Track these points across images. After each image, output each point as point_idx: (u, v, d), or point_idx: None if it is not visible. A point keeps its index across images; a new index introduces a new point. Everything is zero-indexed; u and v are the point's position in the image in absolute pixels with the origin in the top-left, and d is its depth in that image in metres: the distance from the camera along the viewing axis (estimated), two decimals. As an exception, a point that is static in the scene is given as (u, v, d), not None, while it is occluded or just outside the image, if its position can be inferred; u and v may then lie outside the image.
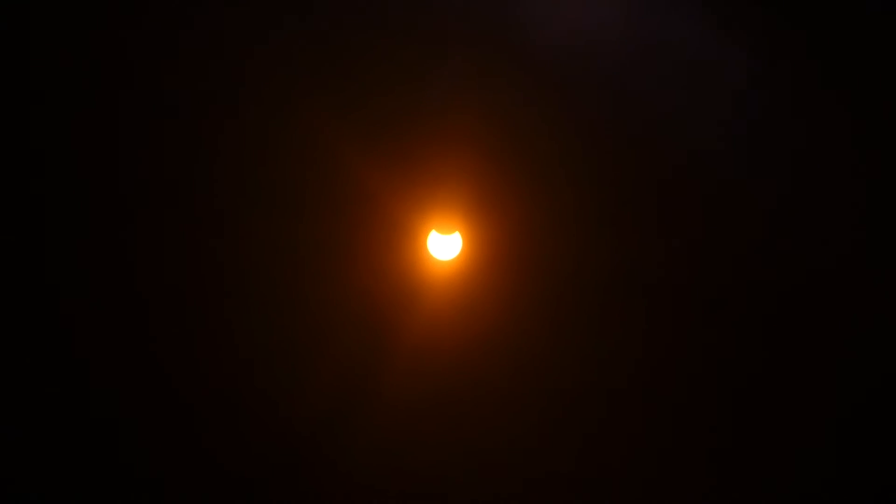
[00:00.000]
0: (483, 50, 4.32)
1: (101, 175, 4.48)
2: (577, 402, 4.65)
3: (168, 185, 4.50)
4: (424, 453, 4.66)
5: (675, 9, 4.31)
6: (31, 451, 4.61)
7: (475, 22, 4.30)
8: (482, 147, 4.43)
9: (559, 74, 4.37)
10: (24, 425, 4.60)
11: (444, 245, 4.52)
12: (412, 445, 4.65)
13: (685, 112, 4.41)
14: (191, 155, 4.46)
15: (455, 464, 4.68)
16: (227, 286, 4.58)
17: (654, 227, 4.54)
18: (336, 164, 4.43)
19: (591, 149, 4.46)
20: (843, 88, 4.41)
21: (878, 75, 4.38)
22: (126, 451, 4.65)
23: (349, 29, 4.32)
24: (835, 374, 4.63)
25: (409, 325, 4.57)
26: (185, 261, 4.56)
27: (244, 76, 4.38)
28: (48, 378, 4.60)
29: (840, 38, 4.35)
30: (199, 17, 4.32)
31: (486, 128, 4.40)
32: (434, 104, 4.37)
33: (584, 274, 4.57)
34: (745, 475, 4.68)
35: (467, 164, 4.44)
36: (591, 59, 4.37)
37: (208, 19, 4.32)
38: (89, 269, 4.55)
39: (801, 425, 4.66)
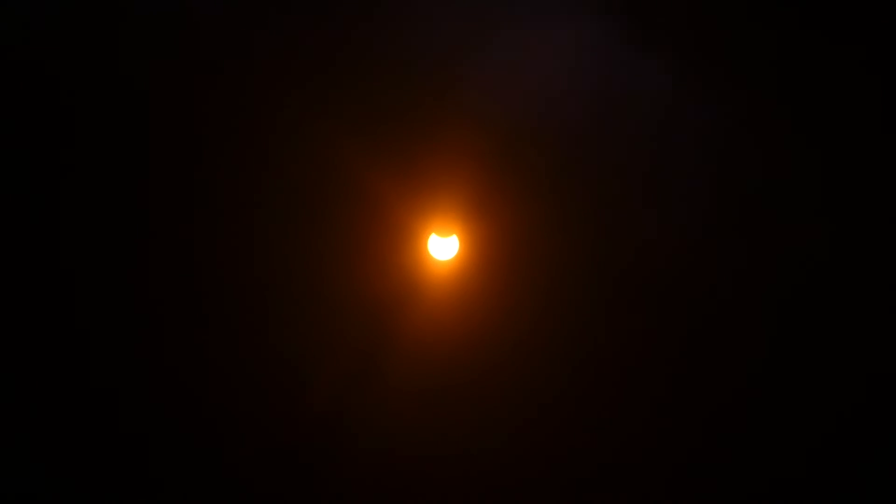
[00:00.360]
0: (483, 72, 4.43)
1: (113, 181, 4.52)
2: (566, 388, 4.63)
3: (178, 189, 4.53)
4: (425, 434, 4.62)
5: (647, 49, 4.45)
6: (47, 453, 4.53)
7: (477, 46, 4.42)
8: (477, 161, 4.53)
9: (549, 93, 4.49)
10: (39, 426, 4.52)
11: (443, 247, 4.60)
12: (415, 427, 4.61)
13: (655, 131, 4.56)
14: (202, 160, 4.52)
15: (451, 443, 4.63)
16: (248, 288, 4.59)
17: (641, 226, 4.58)
18: (348, 177, 4.51)
19: (576, 159, 4.59)
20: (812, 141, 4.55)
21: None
22: (146, 445, 4.60)
23: (360, 45, 4.44)
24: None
25: (412, 318, 4.60)
26: (201, 266, 4.57)
27: (254, 87, 4.47)
28: (60, 377, 4.54)
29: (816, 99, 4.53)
30: (206, 19, 4.40)
31: (481, 144, 4.49)
32: (435, 125, 4.47)
33: (570, 271, 4.62)
34: (742, 473, 4.61)
35: (464, 176, 4.53)
36: (578, 79, 4.49)
37: (215, 21, 4.40)
38: (101, 272, 4.56)
39: (807, 421, 4.59)
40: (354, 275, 4.58)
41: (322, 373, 4.58)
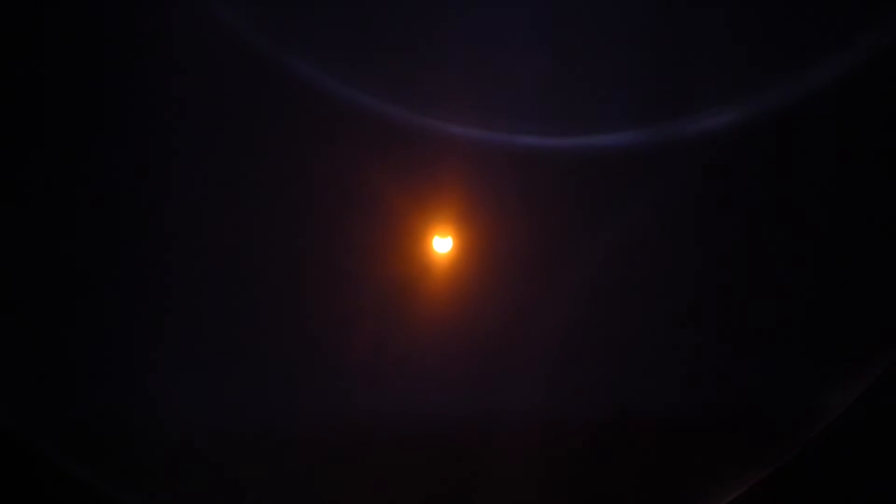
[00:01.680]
0: (482, 81, 4.86)
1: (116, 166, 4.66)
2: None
3: (188, 192, 4.77)
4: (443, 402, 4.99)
5: None
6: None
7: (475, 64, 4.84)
8: (473, 175, 5.08)
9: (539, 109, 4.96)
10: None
11: (442, 244, 5.25)
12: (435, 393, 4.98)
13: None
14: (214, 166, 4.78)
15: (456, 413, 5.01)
16: (276, 276, 4.98)
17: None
18: (367, 188, 5.01)
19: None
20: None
21: None
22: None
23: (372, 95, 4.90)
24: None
25: (418, 301, 5.16)
26: (249, 254, 4.89)
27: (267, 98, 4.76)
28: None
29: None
30: (209, 18, 4.41)
31: (478, 160, 5.00)
32: (437, 141, 4.98)
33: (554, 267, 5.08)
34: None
35: (462, 186, 5.11)
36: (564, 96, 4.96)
37: (216, 20, 4.54)
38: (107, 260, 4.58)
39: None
40: (373, 267, 5.12)
41: (348, 339, 5.06)
